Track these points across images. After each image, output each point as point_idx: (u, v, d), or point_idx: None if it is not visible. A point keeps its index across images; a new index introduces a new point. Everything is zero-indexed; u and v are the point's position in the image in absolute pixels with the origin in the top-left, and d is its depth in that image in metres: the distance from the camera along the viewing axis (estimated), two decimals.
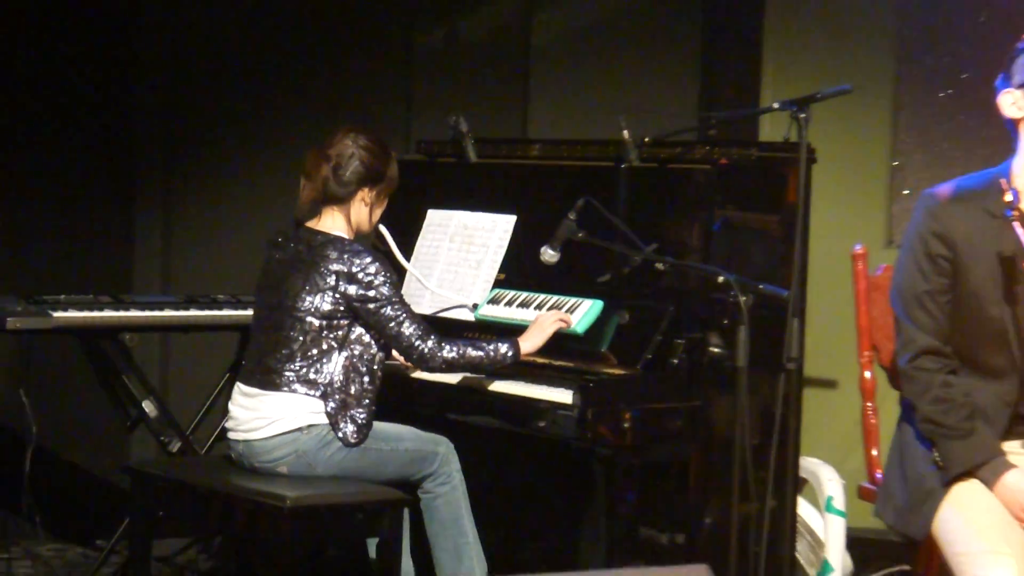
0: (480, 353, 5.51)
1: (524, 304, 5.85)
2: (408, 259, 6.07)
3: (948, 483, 4.49)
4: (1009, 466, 4.42)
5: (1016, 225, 4.32)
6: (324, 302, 5.44)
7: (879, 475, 5.31)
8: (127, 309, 6.46)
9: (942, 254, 4.55)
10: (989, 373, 4.58)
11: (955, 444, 4.49)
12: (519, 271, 5.94)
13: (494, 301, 5.91)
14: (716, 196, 5.78)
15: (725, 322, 5.38)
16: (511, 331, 5.62)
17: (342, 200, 5.61)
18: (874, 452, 5.72)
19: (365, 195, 5.61)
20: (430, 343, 5.45)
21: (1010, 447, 4.53)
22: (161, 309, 6.54)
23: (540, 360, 5.61)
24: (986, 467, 4.45)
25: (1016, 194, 4.36)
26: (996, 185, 4.50)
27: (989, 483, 4.44)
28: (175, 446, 6.41)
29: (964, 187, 4.64)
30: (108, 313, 6.36)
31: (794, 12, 7.59)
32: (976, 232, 4.53)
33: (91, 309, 6.33)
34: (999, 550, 4.35)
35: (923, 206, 4.64)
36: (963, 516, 4.46)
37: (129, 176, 8.02)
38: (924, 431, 4.58)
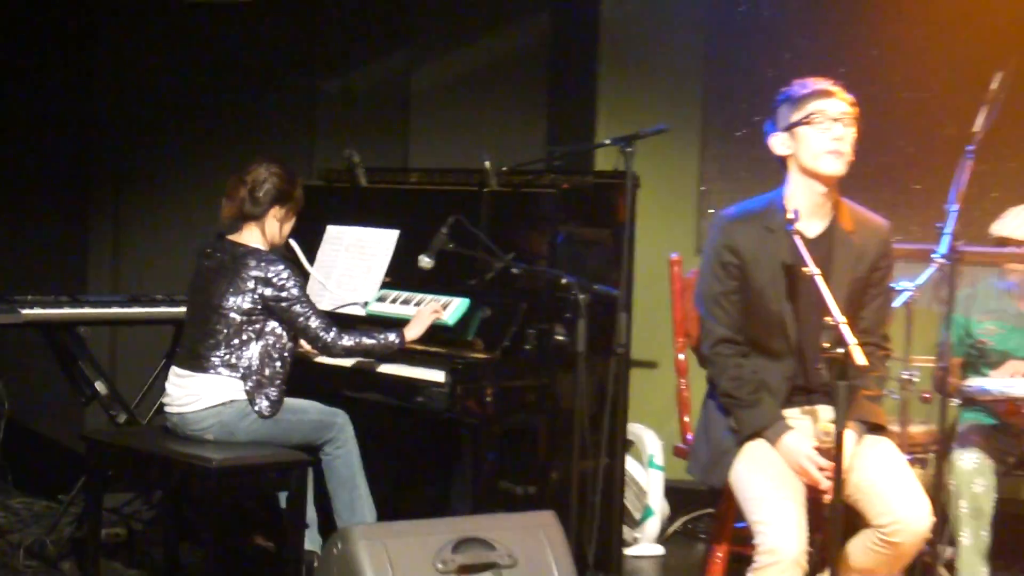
0: (373, 341, 5.58)
1: (406, 302, 5.92)
2: (312, 265, 6.16)
3: (741, 443, 4.62)
4: (788, 428, 4.57)
5: (796, 238, 4.42)
6: (244, 301, 5.49)
7: (690, 437, 5.34)
8: (82, 307, 6.46)
9: (732, 262, 4.68)
10: (772, 355, 4.71)
11: (746, 412, 4.63)
12: (402, 275, 6.00)
13: (382, 299, 5.98)
14: (560, 214, 5.89)
15: (567, 316, 5.46)
16: (396, 324, 5.70)
17: (258, 217, 5.63)
18: (686, 419, 5.74)
19: (276, 213, 5.65)
20: (332, 334, 5.53)
21: (790, 413, 4.67)
22: (110, 307, 6.55)
23: (418, 347, 5.67)
24: (770, 430, 4.57)
25: (796, 213, 4.49)
26: (772, 207, 4.68)
27: (772, 442, 4.56)
28: (122, 418, 6.38)
29: (746, 209, 4.78)
30: (66, 310, 6.38)
31: (622, 65, 7.63)
32: (758, 244, 4.67)
33: (53, 307, 6.35)
34: (780, 495, 4.47)
35: (716, 225, 4.78)
36: (752, 469, 4.59)
37: (84, 197, 8.01)
38: (723, 403, 4.71)
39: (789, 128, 4.66)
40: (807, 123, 4.61)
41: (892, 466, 4.57)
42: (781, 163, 4.71)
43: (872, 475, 4.48)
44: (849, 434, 4.43)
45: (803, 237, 4.53)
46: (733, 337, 4.72)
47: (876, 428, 4.69)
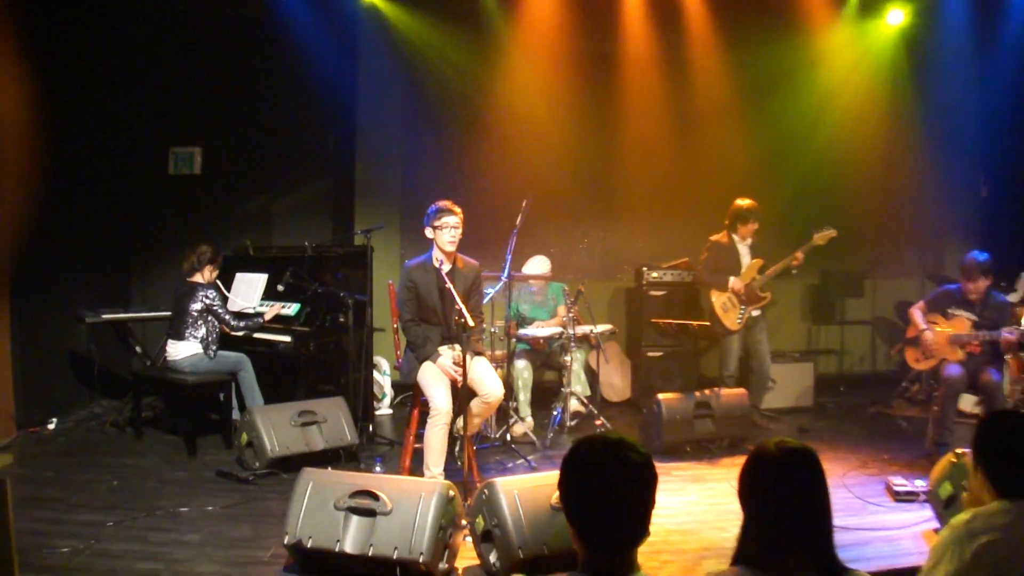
0: (252, 322, 6.03)
1: (271, 306, 6.21)
2: (230, 292, 6.45)
3: (420, 362, 4.86)
4: (439, 354, 4.85)
5: (443, 272, 4.73)
6: (198, 306, 5.98)
7: (398, 363, 5.50)
8: (129, 313, 6.64)
9: (410, 286, 4.88)
10: (434, 323, 4.94)
11: (420, 350, 4.87)
12: (269, 294, 6.31)
13: (262, 306, 6.28)
14: (339, 264, 6.31)
15: (344, 309, 5.94)
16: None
17: (200, 270, 6.11)
18: (397, 352, 6.07)
19: (208, 268, 6.14)
20: (235, 322, 6.02)
21: (442, 350, 4.91)
22: (142, 312, 6.72)
23: (279, 326, 6.10)
24: (431, 356, 4.84)
25: (441, 262, 4.83)
26: (427, 259, 4.89)
27: (434, 361, 4.83)
28: (148, 363, 6.67)
29: (416, 261, 4.94)
30: (121, 315, 6.61)
31: (367, 194, 7.53)
32: (422, 276, 4.87)
33: (115, 313, 6.58)
34: (438, 384, 4.71)
35: (403, 270, 4.97)
36: (425, 373, 4.80)
37: (127, 255, 7.70)
38: (410, 347, 4.94)
39: (432, 227, 4.86)
40: (439, 228, 4.87)
41: (484, 369, 4.91)
42: (431, 239, 4.91)
43: (477, 373, 4.79)
44: (466, 356, 4.71)
45: (444, 272, 4.90)
46: (413, 318, 4.93)
47: (477, 353, 4.95)
